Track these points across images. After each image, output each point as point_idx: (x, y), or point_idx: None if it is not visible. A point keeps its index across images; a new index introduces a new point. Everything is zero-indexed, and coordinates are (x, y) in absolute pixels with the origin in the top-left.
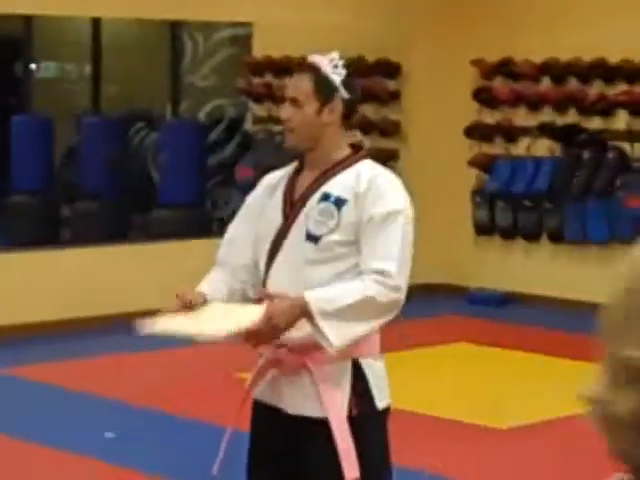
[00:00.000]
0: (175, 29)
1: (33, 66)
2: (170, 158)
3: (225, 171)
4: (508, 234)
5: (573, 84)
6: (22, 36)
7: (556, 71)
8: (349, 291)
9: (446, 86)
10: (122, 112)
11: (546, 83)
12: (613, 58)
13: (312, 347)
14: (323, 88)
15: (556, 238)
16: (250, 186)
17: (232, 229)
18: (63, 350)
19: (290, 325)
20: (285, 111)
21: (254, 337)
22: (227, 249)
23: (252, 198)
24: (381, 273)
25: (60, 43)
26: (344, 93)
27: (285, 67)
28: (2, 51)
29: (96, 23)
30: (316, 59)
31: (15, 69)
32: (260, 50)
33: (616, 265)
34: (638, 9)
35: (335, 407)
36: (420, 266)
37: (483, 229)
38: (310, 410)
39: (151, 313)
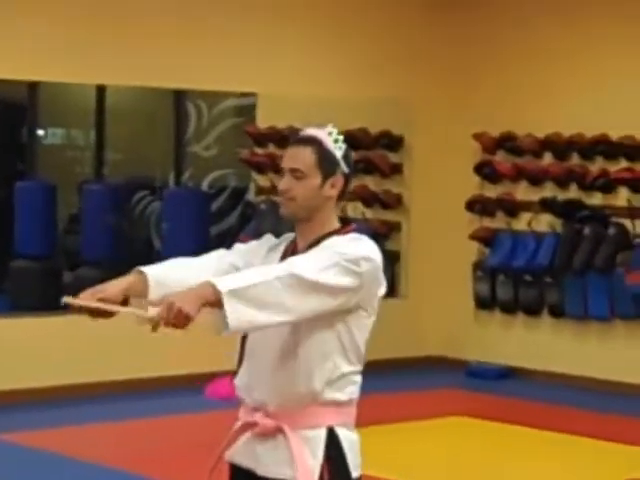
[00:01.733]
0: (179, 98)
1: (40, 132)
2: (172, 226)
3: (227, 241)
4: (509, 308)
5: (575, 160)
6: (27, 102)
7: (558, 146)
8: (252, 274)
9: (448, 160)
10: (125, 180)
11: (548, 158)
12: (615, 135)
13: (289, 412)
14: (326, 162)
15: (557, 313)
16: None
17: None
18: (65, 416)
19: (194, 304)
20: (285, 182)
21: (159, 322)
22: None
23: (245, 245)
24: (289, 266)
25: (65, 109)
26: (344, 167)
27: (288, 138)
28: (8, 116)
29: (100, 90)
30: (318, 133)
31: (20, 135)
32: (264, 120)
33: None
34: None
35: (306, 472)
36: (420, 339)
37: (484, 303)
38: (283, 473)
39: (153, 381)
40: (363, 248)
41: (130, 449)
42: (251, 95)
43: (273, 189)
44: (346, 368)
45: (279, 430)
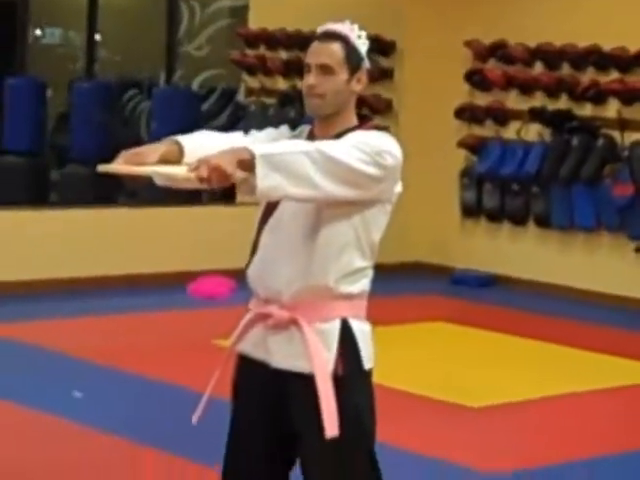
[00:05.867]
0: None
1: (35, 31)
2: (162, 126)
3: None
4: (495, 217)
5: (566, 70)
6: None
7: (549, 56)
8: (286, 145)
9: (439, 66)
10: (116, 78)
11: (539, 68)
12: (607, 45)
13: (303, 304)
14: (353, 57)
15: (543, 223)
16: None
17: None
18: (44, 309)
19: (230, 161)
20: (313, 77)
21: (206, 178)
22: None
23: (263, 132)
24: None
25: (58, 8)
26: (368, 64)
27: (279, 40)
28: (1, 15)
29: None
30: (342, 28)
31: (13, 33)
32: (256, 22)
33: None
34: None
35: (322, 364)
36: (406, 245)
37: (470, 211)
38: (298, 366)
39: (134, 278)
40: (388, 143)
41: (113, 344)
42: None
43: (263, 90)
44: (360, 263)
45: (293, 322)
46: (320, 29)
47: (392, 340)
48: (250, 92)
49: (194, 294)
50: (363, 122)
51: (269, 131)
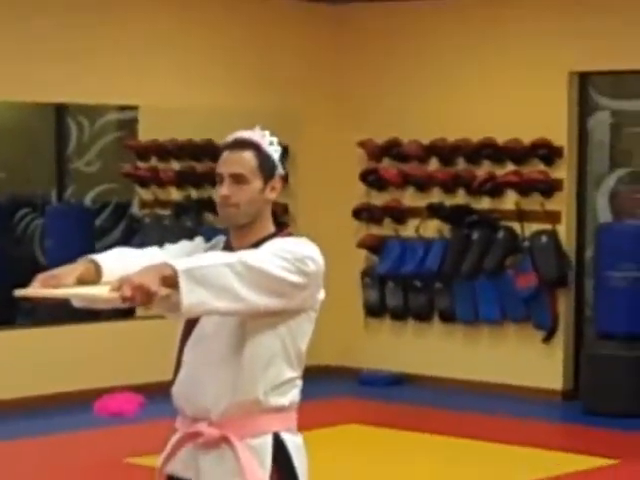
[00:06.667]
0: (60, 113)
1: None
2: (56, 243)
3: None
4: (399, 315)
5: (461, 164)
6: None
7: (444, 151)
8: (206, 257)
9: (334, 168)
10: (6, 198)
11: (434, 164)
12: (500, 138)
13: (233, 420)
14: (266, 165)
15: (447, 318)
16: None
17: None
18: None
19: (153, 279)
20: (227, 188)
21: (129, 297)
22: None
23: (178, 245)
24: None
25: None
26: (281, 170)
27: (170, 151)
28: None
29: None
30: (253, 135)
31: None
32: (145, 134)
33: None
34: (525, 90)
35: None
36: (311, 348)
37: (373, 310)
38: None
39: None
40: (308, 249)
41: (20, 469)
42: (132, 109)
43: (157, 202)
44: (289, 373)
45: (224, 439)
46: (230, 137)
47: (309, 446)
48: (144, 204)
49: (101, 412)
50: (279, 230)
51: (184, 244)
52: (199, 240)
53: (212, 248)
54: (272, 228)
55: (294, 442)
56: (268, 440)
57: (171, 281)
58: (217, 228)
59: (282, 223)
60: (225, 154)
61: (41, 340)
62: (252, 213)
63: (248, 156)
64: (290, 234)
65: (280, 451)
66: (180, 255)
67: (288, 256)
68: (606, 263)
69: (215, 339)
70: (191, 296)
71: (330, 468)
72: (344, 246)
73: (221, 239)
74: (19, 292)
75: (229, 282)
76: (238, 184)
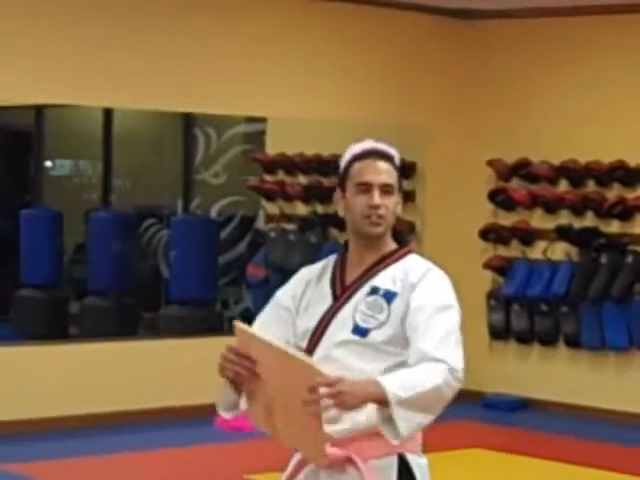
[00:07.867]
0: (188, 124)
1: (47, 163)
2: (180, 255)
3: (236, 270)
4: (524, 339)
5: (591, 187)
6: (34, 129)
7: (574, 173)
8: (420, 379)
9: (462, 187)
10: (132, 208)
11: (564, 185)
12: (632, 161)
13: (357, 440)
14: (399, 179)
15: (573, 344)
16: (261, 285)
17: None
18: (66, 447)
19: (359, 400)
20: (378, 197)
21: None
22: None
23: (282, 293)
24: (443, 362)
25: (72, 138)
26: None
27: (298, 165)
28: (15, 145)
29: (108, 117)
30: (390, 149)
31: (27, 164)
32: (273, 147)
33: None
34: None
35: None
36: None
37: (498, 333)
38: None
39: (156, 412)
40: (449, 295)
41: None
42: (260, 121)
43: (282, 216)
44: None
45: (348, 460)
46: (365, 147)
47: (432, 470)
48: (270, 218)
49: (222, 427)
50: (401, 247)
51: (288, 288)
52: (304, 272)
53: (321, 275)
54: (392, 245)
55: (419, 464)
56: (393, 461)
57: (382, 403)
58: (340, 243)
59: (400, 235)
60: (368, 162)
61: (164, 352)
62: (390, 226)
63: (391, 167)
64: (411, 251)
65: (405, 472)
66: (288, 304)
67: (454, 330)
68: None
69: (341, 362)
70: (408, 424)
71: None
72: (470, 266)
73: (330, 261)
74: (240, 325)
75: (446, 396)
76: (387, 194)
